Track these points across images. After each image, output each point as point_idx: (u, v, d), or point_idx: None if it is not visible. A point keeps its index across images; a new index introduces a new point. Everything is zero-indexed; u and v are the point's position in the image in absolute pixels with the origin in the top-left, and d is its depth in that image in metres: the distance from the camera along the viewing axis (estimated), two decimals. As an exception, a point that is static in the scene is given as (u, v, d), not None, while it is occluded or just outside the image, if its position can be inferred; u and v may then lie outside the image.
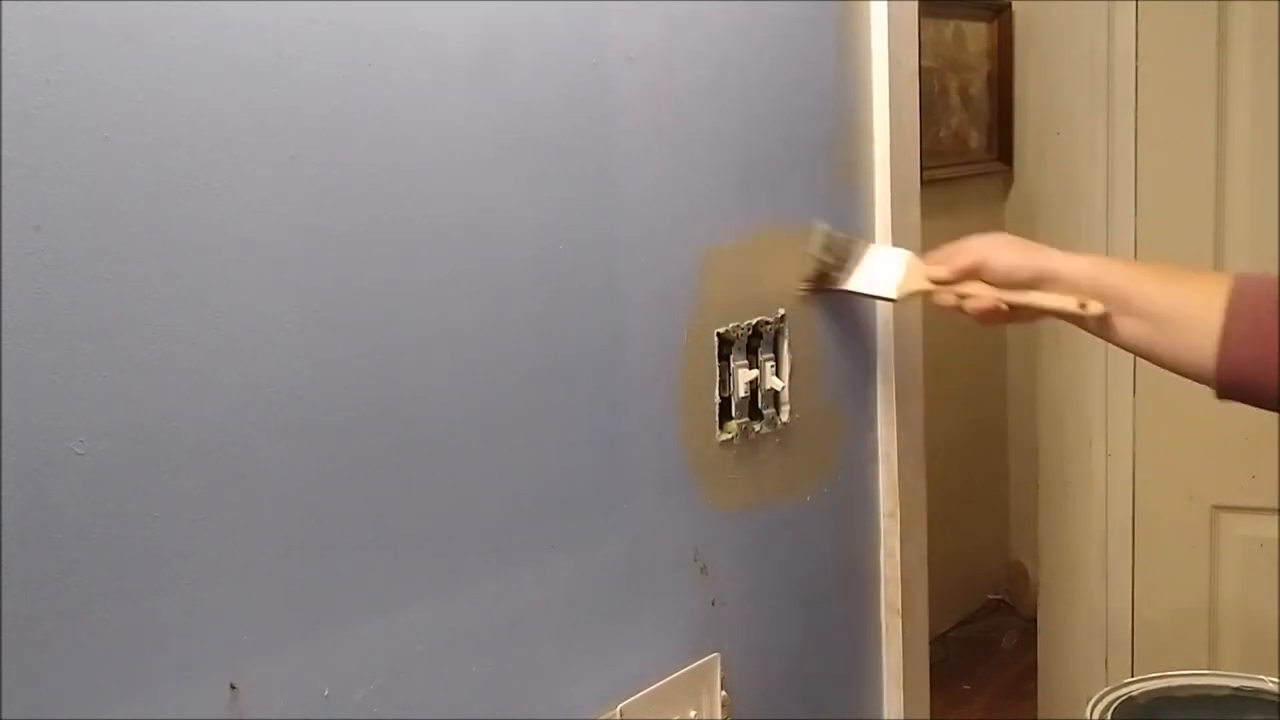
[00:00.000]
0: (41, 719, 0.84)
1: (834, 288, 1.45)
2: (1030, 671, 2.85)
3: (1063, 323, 1.31)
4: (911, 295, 1.41)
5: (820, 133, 1.49)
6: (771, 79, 1.41)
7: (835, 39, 1.50)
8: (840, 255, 1.45)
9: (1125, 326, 1.24)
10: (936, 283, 1.36)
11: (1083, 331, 1.30)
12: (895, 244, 1.56)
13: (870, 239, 1.56)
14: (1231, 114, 2.38)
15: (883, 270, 1.43)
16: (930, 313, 1.67)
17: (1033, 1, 3.27)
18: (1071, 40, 2.53)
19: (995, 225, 3.99)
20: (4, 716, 0.82)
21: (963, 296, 1.33)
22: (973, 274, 1.33)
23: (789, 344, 1.44)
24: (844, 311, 1.54)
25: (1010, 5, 3.84)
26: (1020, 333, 3.80)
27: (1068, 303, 1.27)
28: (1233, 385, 1.18)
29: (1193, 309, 1.19)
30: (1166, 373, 1.27)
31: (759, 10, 1.38)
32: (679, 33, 1.29)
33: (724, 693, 1.37)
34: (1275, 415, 1.27)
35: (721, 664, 1.37)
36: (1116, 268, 1.28)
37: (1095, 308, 1.25)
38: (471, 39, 1.09)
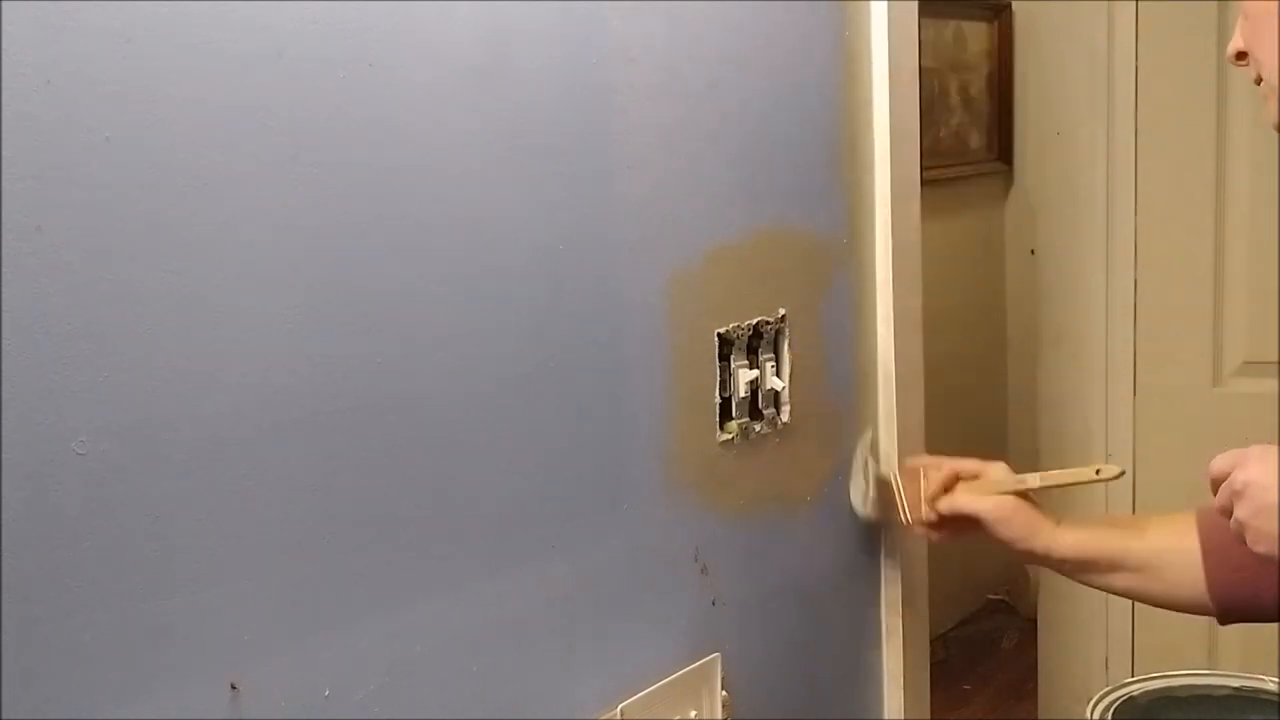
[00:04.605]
0: (41, 719, 0.84)
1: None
2: (1030, 671, 2.85)
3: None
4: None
5: (820, 133, 1.49)
6: (771, 79, 1.41)
7: (835, 39, 1.50)
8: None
9: (1118, 580, 1.37)
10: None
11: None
12: (895, 243, 1.56)
13: (871, 238, 1.57)
14: (1231, 113, 2.37)
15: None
16: (930, 312, 1.67)
17: (1033, 1, 3.27)
18: (1071, 40, 2.52)
19: (995, 225, 3.98)
20: (4, 717, 0.82)
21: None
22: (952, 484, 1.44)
23: (789, 344, 1.44)
24: (844, 312, 1.54)
25: (1010, 5, 3.84)
26: (1020, 333, 3.80)
27: (1085, 473, 1.48)
28: (1233, 613, 1.29)
29: (1172, 553, 1.31)
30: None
31: (759, 11, 1.38)
32: (679, 33, 1.28)
33: (724, 693, 1.37)
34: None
35: (722, 664, 1.37)
36: (1099, 534, 1.39)
37: (1110, 470, 1.42)
38: (472, 39, 1.09)
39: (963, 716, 3.36)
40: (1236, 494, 1.08)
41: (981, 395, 3.93)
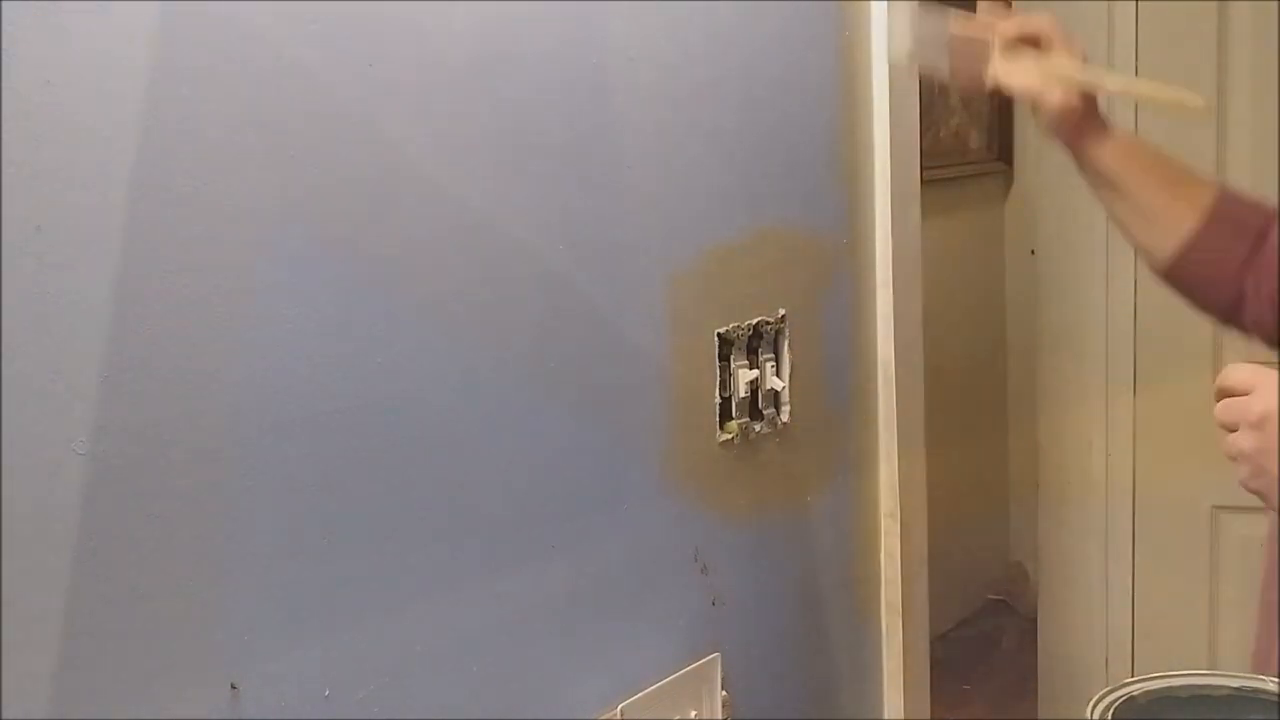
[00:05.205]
0: (41, 719, 0.84)
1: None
2: (1030, 671, 2.85)
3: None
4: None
5: (820, 132, 1.49)
6: (772, 79, 1.41)
7: (835, 39, 1.50)
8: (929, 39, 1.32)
9: (1120, 207, 1.33)
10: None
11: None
12: (895, 243, 1.57)
13: (871, 238, 1.57)
14: (1231, 114, 2.37)
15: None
16: (930, 312, 1.67)
17: (1032, 1, 3.27)
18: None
19: (995, 225, 3.98)
20: (4, 716, 0.82)
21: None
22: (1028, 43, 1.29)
23: (789, 344, 1.44)
24: (844, 312, 1.54)
25: (1010, 5, 3.85)
26: (1020, 333, 3.80)
27: (1168, 93, 1.33)
28: (1181, 289, 1.29)
29: (1177, 219, 1.30)
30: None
31: (759, 11, 1.38)
32: (679, 33, 1.29)
33: (724, 693, 1.37)
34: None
35: (722, 664, 1.37)
36: (1143, 164, 1.34)
37: (1195, 101, 1.31)
38: (472, 40, 1.09)
39: (963, 716, 3.36)
40: (1251, 424, 0.94)
41: (981, 395, 3.93)
